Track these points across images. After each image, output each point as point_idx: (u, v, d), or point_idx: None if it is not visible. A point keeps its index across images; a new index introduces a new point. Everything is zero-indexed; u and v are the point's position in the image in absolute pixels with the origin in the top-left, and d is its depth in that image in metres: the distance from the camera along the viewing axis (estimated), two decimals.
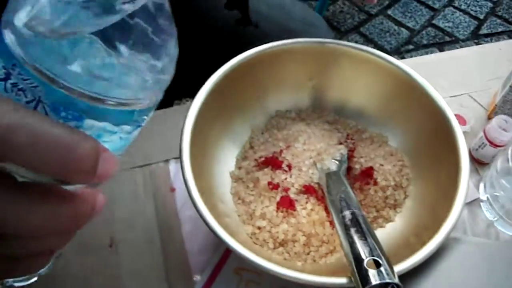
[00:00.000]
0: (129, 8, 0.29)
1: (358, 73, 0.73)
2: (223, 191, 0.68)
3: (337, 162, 0.68)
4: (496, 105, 0.82)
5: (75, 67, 0.29)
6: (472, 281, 0.54)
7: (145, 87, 0.33)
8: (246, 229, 0.64)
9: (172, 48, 0.35)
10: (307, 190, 0.66)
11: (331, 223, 0.63)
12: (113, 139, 0.34)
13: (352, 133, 0.75)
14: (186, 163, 0.57)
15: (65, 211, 0.30)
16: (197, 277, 0.65)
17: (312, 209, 0.65)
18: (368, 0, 0.74)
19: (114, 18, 0.29)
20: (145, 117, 0.36)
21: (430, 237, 0.54)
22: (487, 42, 2.42)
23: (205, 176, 0.64)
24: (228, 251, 0.66)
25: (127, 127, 0.34)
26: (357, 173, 0.69)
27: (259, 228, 0.64)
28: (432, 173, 0.67)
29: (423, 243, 0.54)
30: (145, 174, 0.74)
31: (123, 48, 0.30)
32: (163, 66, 0.34)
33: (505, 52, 0.98)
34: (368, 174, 0.68)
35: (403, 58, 2.30)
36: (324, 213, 0.65)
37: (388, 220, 0.67)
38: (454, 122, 0.63)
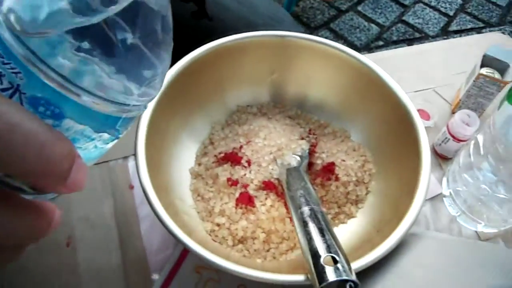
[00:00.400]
0: (111, 9, 0.27)
1: (319, 67, 0.72)
2: (182, 188, 0.66)
3: (298, 158, 0.67)
4: (460, 100, 0.82)
5: (67, 59, 0.27)
6: (432, 278, 0.53)
7: (137, 94, 0.32)
8: (205, 226, 0.62)
9: (167, 60, 0.34)
10: (267, 186, 0.65)
11: (291, 219, 0.62)
12: (88, 147, 0.31)
13: (314, 128, 0.74)
14: (141, 160, 0.56)
15: (21, 223, 0.27)
16: (155, 276, 0.64)
17: (271, 206, 0.64)
18: None
19: (96, 18, 0.27)
20: (125, 129, 0.34)
21: (391, 232, 0.54)
22: (456, 38, 2.44)
23: (163, 173, 0.62)
24: (187, 250, 0.64)
25: (105, 136, 0.32)
26: (318, 169, 0.68)
27: (218, 225, 0.62)
28: (394, 168, 0.66)
29: (384, 238, 0.53)
30: (103, 171, 0.73)
31: (121, 48, 0.29)
32: (155, 77, 0.33)
33: (471, 47, 0.98)
34: (329, 169, 0.67)
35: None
36: (284, 210, 0.64)
37: (350, 216, 0.66)
38: (416, 117, 0.63)
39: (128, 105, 0.31)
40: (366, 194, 0.67)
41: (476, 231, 0.71)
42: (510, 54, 0.79)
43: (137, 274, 0.64)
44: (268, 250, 0.61)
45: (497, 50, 0.80)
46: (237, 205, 0.63)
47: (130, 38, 0.29)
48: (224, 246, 0.61)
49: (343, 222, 0.66)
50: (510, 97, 0.57)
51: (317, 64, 0.72)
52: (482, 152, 0.65)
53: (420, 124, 0.62)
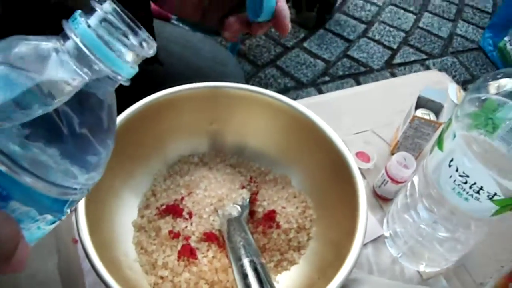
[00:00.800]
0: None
1: (255, 115, 0.73)
2: (126, 241, 0.65)
3: (238, 208, 0.68)
4: (398, 140, 0.84)
5: (14, 143, 0.28)
6: None
7: (82, 178, 0.32)
8: (149, 279, 0.62)
9: (111, 146, 0.35)
10: (208, 237, 0.65)
11: None
12: (31, 228, 0.32)
13: (255, 176, 0.74)
14: (81, 216, 0.55)
15: None
16: None
17: (213, 257, 0.63)
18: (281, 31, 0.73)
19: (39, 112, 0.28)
20: (69, 210, 0.34)
21: (333, 275, 0.54)
22: (400, 71, 2.50)
23: (105, 228, 0.62)
24: None
25: (49, 217, 0.32)
26: (260, 217, 0.69)
27: (161, 277, 0.62)
28: (333, 212, 0.67)
29: (327, 282, 0.54)
30: None
31: (68, 135, 0.30)
32: (99, 162, 0.34)
33: (408, 86, 1.01)
34: (270, 217, 0.68)
35: (319, 89, 2.33)
36: (226, 260, 0.63)
37: (292, 262, 0.67)
38: (352, 162, 0.64)
39: (75, 188, 0.32)
40: (308, 240, 0.68)
41: (418, 271, 0.73)
42: (444, 94, 0.82)
43: None
44: None
45: (431, 91, 0.82)
46: (179, 257, 0.63)
47: (77, 126, 0.30)
48: None
49: (286, 269, 0.66)
50: (440, 142, 0.59)
51: (253, 112, 0.73)
52: (417, 195, 0.66)
53: (355, 169, 0.63)
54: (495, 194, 0.54)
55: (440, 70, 2.23)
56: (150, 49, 0.33)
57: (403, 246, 0.72)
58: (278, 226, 0.67)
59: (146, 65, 0.87)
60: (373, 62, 2.53)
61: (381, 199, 0.80)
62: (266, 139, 0.75)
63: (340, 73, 2.44)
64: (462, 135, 0.54)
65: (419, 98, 0.82)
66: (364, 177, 0.82)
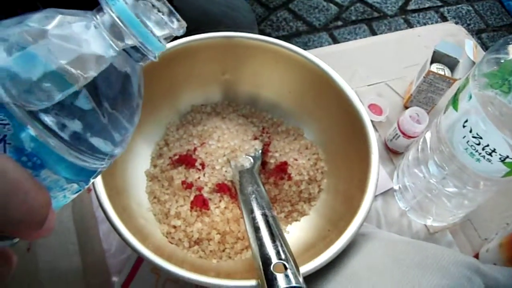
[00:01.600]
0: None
1: (270, 66, 0.73)
2: (138, 191, 0.67)
3: (251, 159, 0.68)
4: (411, 94, 0.84)
5: (53, 117, 0.29)
6: (376, 279, 0.55)
7: (112, 150, 0.34)
8: (162, 228, 0.64)
9: (137, 120, 0.36)
10: (220, 188, 0.66)
11: None
12: (57, 196, 0.32)
13: (268, 126, 0.75)
14: None
15: None
16: (115, 278, 0.65)
17: (225, 207, 0.65)
18: None
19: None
20: (92, 181, 0.36)
21: (345, 227, 0.56)
22: (414, 17, 2.46)
23: (118, 176, 0.63)
24: None
25: (75, 187, 0.33)
26: (271, 168, 0.70)
27: (174, 227, 0.63)
28: (345, 165, 0.68)
29: (339, 234, 0.55)
30: None
31: (105, 106, 0.31)
32: (126, 136, 0.35)
33: (422, 38, 1.00)
34: (282, 169, 0.68)
35: (332, 34, 2.31)
36: (238, 211, 0.65)
37: (303, 214, 0.68)
38: (365, 116, 0.64)
39: (103, 159, 0.33)
40: (319, 192, 0.69)
41: (425, 225, 0.74)
42: (459, 49, 0.81)
43: (97, 277, 0.65)
44: (223, 251, 0.63)
45: (447, 45, 0.81)
46: (192, 208, 0.64)
47: (109, 101, 0.32)
48: (181, 248, 0.62)
49: (296, 220, 0.68)
50: (455, 102, 0.59)
51: (268, 63, 0.72)
52: (429, 150, 0.67)
53: (368, 122, 0.64)
54: (507, 156, 0.54)
55: (454, 18, 2.20)
56: (180, 29, 0.35)
57: (412, 200, 0.73)
58: (289, 178, 0.68)
59: None
60: (387, 7, 2.49)
61: (392, 153, 0.81)
62: (280, 90, 0.75)
63: (353, 18, 2.40)
64: (478, 95, 0.54)
65: (434, 52, 0.81)
66: (376, 129, 0.83)
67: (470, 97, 0.55)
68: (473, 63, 0.78)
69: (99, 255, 0.66)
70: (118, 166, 0.64)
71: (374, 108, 0.84)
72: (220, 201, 0.65)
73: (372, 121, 0.81)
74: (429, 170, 0.68)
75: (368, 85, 0.89)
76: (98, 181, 0.55)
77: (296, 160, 0.69)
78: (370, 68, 0.92)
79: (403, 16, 2.46)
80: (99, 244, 0.67)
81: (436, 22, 2.43)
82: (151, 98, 0.68)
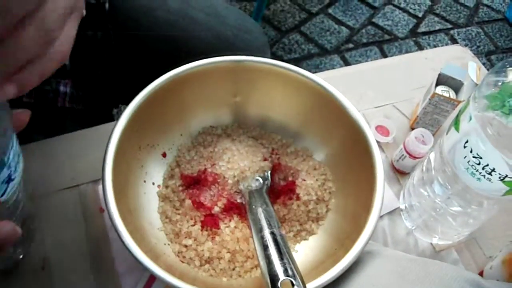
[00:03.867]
0: None
1: (278, 88, 0.75)
2: (150, 211, 0.69)
3: (260, 180, 0.71)
4: (418, 116, 0.86)
5: None
6: None
7: None
8: (173, 247, 0.65)
9: None
10: (230, 208, 0.68)
11: None
12: None
13: (277, 148, 0.77)
14: (108, 185, 0.58)
15: None
16: None
17: (235, 227, 0.67)
18: None
19: None
20: None
21: (352, 245, 0.57)
22: (425, 40, 2.49)
23: (131, 197, 0.65)
24: None
25: None
26: (280, 188, 0.72)
27: (185, 246, 0.65)
28: (352, 185, 0.70)
29: (346, 251, 0.57)
30: (74, 195, 0.74)
31: None
32: None
33: (429, 61, 1.02)
34: (290, 189, 0.70)
35: (343, 57, 2.34)
36: (247, 230, 0.67)
37: (311, 233, 0.70)
38: (371, 137, 0.66)
39: None
40: (326, 211, 0.71)
41: (431, 243, 0.75)
42: (464, 72, 0.83)
43: None
44: (233, 269, 0.65)
45: (452, 68, 0.83)
46: (202, 227, 0.66)
47: None
48: (192, 266, 0.64)
49: (305, 239, 0.69)
50: (457, 123, 0.61)
51: (277, 86, 0.75)
52: (433, 171, 0.69)
53: (374, 144, 0.66)
54: (506, 176, 0.56)
55: (464, 40, 2.21)
56: None
57: (418, 219, 0.74)
58: (298, 198, 0.70)
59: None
60: (398, 30, 2.52)
61: (398, 173, 0.82)
62: (288, 112, 0.77)
63: (364, 40, 2.43)
64: (477, 116, 0.56)
65: (439, 75, 0.83)
66: (383, 150, 0.84)
67: (470, 118, 0.57)
68: (476, 85, 0.80)
69: (111, 274, 0.68)
70: (130, 187, 0.66)
71: (381, 130, 0.86)
72: (230, 220, 0.68)
73: (379, 142, 0.83)
74: (434, 190, 0.69)
75: (376, 107, 0.91)
76: (111, 201, 0.57)
77: (304, 180, 0.71)
78: (378, 90, 0.94)
79: (414, 39, 2.48)
80: (111, 264, 0.69)
81: (446, 44, 2.45)
82: (163, 120, 0.71)
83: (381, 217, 0.77)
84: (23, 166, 0.50)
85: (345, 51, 2.37)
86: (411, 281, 0.57)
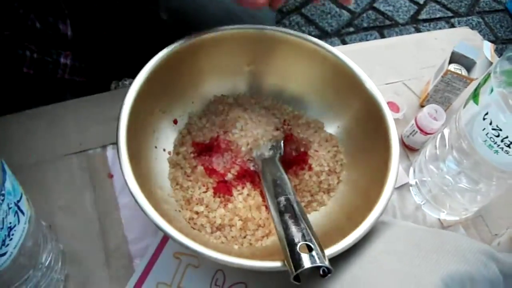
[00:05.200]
0: None
1: (295, 59, 0.75)
2: (161, 176, 0.68)
3: (273, 148, 0.70)
4: (428, 93, 0.86)
5: None
6: (396, 263, 0.57)
7: None
8: (184, 214, 0.65)
9: None
10: (244, 175, 0.68)
11: (267, 207, 0.65)
12: None
13: (289, 119, 0.77)
14: (123, 150, 0.58)
15: None
16: (136, 262, 0.66)
17: (248, 194, 0.67)
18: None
19: None
20: None
21: (361, 219, 0.57)
22: (425, 27, 2.48)
23: (143, 162, 0.64)
24: (166, 237, 0.67)
25: None
26: (292, 158, 0.71)
27: (196, 213, 0.65)
28: (364, 158, 0.70)
29: (355, 225, 0.57)
30: (82, 160, 0.74)
31: None
32: None
33: (440, 41, 1.02)
34: (303, 159, 0.70)
35: (343, 40, 2.33)
36: (260, 198, 0.67)
37: (322, 204, 0.70)
38: (386, 110, 0.66)
39: None
40: (338, 183, 0.71)
41: (439, 219, 0.76)
42: (477, 51, 0.83)
43: (118, 261, 0.66)
44: (244, 237, 0.65)
45: (465, 47, 0.83)
46: (215, 194, 0.66)
47: None
48: (203, 233, 0.64)
49: (315, 210, 0.69)
50: (475, 96, 0.61)
51: (294, 56, 0.74)
52: (447, 146, 0.69)
53: (389, 117, 0.66)
54: None
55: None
56: None
57: (427, 195, 0.74)
58: (310, 168, 0.70)
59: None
60: (399, 16, 2.51)
61: (408, 149, 0.82)
62: (303, 83, 0.77)
63: (365, 25, 2.42)
64: (499, 89, 0.56)
65: (452, 53, 0.83)
66: None
67: (492, 90, 0.57)
68: (490, 63, 0.80)
69: (120, 240, 0.67)
70: (142, 152, 0.65)
71: (391, 106, 0.85)
72: (243, 188, 0.67)
73: None
74: (445, 165, 0.69)
75: (386, 84, 0.91)
76: (125, 166, 0.56)
77: (316, 151, 0.71)
78: (388, 68, 0.94)
79: (414, 25, 2.48)
80: (120, 230, 0.68)
81: None
82: (176, 86, 0.70)
83: None
84: (27, 230, 0.49)
85: (346, 35, 2.36)
86: (427, 250, 0.57)
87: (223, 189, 0.66)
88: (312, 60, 0.73)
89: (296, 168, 0.70)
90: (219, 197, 0.66)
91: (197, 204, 0.66)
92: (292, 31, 0.73)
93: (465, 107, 0.64)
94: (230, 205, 0.65)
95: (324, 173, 0.70)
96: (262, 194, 0.67)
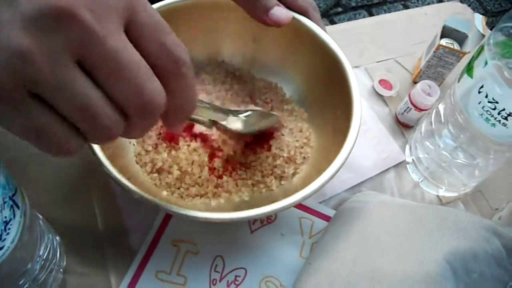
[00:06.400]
0: None
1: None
2: None
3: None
4: (421, 69, 0.85)
5: None
6: (397, 242, 0.57)
7: None
8: (135, 149, 0.67)
9: None
10: (197, 135, 0.69)
11: (212, 170, 0.66)
12: None
13: (276, 103, 0.76)
14: None
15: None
16: (135, 251, 0.65)
17: (195, 150, 0.67)
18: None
19: None
20: None
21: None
22: (414, 3, 2.48)
23: None
24: (164, 224, 0.66)
25: None
26: (256, 134, 0.70)
27: (146, 151, 0.67)
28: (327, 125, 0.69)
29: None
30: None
31: None
32: None
33: (430, 16, 1.01)
34: (265, 138, 0.69)
35: (332, 20, 2.32)
36: (206, 159, 0.67)
37: (269, 188, 0.67)
38: (345, 62, 0.64)
39: None
40: (293, 174, 0.69)
41: (438, 195, 0.75)
42: (468, 24, 0.82)
43: (117, 251, 0.65)
44: (178, 188, 0.65)
45: (456, 20, 0.82)
46: (163, 139, 0.68)
47: None
48: (143, 171, 0.65)
49: (260, 192, 0.67)
50: (469, 70, 0.60)
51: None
52: (443, 121, 0.68)
53: (350, 70, 0.64)
54: None
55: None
56: None
57: (425, 172, 0.74)
58: (268, 149, 0.69)
59: None
60: None
61: (403, 126, 0.82)
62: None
63: (353, 4, 2.42)
64: (493, 61, 0.55)
65: (444, 28, 0.82)
66: (386, 104, 0.84)
67: (486, 63, 0.56)
68: (483, 36, 0.79)
69: (119, 228, 0.67)
70: None
71: (384, 84, 0.85)
72: (191, 141, 0.68)
73: (382, 96, 0.83)
74: (442, 141, 0.69)
75: (378, 62, 0.90)
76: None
77: (282, 135, 0.70)
78: (379, 45, 0.93)
79: (403, 2, 2.47)
80: (118, 218, 0.67)
81: None
82: None
83: (387, 170, 0.76)
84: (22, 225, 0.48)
85: (334, 15, 2.35)
86: (428, 228, 0.57)
87: (170, 136, 0.68)
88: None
89: (256, 145, 0.69)
90: (165, 143, 0.68)
91: (148, 144, 0.67)
92: None
93: (459, 81, 0.63)
94: (173, 152, 0.66)
95: (281, 158, 0.68)
96: (211, 157, 0.67)
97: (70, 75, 0.30)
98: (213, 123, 0.60)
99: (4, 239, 0.44)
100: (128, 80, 0.32)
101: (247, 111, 0.66)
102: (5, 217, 0.44)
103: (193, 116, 0.56)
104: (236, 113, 0.64)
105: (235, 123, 0.63)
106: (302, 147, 0.70)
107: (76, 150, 0.34)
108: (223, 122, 0.61)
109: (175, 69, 0.35)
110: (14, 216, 0.46)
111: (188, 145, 0.67)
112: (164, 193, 0.64)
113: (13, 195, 0.46)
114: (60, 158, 0.70)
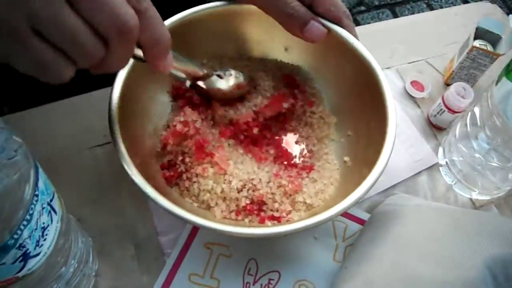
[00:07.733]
0: None
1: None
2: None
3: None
4: (453, 71, 0.84)
5: None
6: (434, 246, 0.56)
7: None
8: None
9: None
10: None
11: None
12: None
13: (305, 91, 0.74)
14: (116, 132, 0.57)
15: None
16: (167, 253, 0.65)
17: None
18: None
19: None
20: None
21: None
22: (437, 2, 2.45)
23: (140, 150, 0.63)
24: (196, 227, 0.66)
25: None
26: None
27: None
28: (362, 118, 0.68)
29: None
30: (107, 152, 0.73)
31: None
32: None
33: (460, 17, 1.00)
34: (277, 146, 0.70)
35: (355, 19, 2.31)
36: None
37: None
38: (379, 71, 0.63)
39: None
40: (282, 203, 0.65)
41: (471, 199, 0.74)
42: (501, 26, 0.81)
43: (149, 253, 0.66)
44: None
45: (489, 22, 0.81)
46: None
47: None
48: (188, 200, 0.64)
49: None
50: (509, 73, 0.59)
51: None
52: (479, 123, 0.67)
53: (380, 71, 0.63)
54: None
55: (476, 1, 2.19)
56: None
57: (458, 174, 0.73)
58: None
59: None
60: None
61: (435, 128, 0.81)
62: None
63: (376, 3, 2.40)
64: None
65: (477, 29, 0.81)
66: (418, 106, 0.83)
67: None
68: None
69: (150, 231, 0.67)
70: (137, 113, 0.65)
71: (416, 85, 0.84)
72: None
73: (414, 97, 0.82)
74: (476, 143, 0.68)
75: (409, 63, 0.89)
76: (125, 157, 0.55)
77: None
78: (410, 46, 0.92)
79: (426, 1, 2.45)
80: (150, 221, 0.67)
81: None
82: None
83: (419, 172, 0.76)
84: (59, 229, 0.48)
85: (357, 14, 2.34)
86: (467, 233, 0.56)
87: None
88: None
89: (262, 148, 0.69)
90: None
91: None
92: None
93: (497, 84, 0.62)
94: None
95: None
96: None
97: (62, 9, 0.36)
98: (194, 82, 0.63)
99: (42, 245, 0.44)
100: (105, 7, 0.38)
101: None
102: (43, 223, 0.44)
103: (173, 72, 0.58)
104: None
105: (218, 83, 0.65)
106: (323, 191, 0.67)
107: (70, 76, 0.40)
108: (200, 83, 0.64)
109: (137, 4, 0.41)
110: (52, 221, 0.46)
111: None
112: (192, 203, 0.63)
113: (51, 200, 0.46)
114: (90, 159, 0.71)
